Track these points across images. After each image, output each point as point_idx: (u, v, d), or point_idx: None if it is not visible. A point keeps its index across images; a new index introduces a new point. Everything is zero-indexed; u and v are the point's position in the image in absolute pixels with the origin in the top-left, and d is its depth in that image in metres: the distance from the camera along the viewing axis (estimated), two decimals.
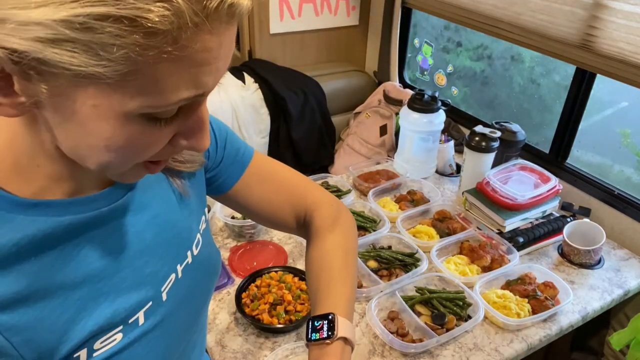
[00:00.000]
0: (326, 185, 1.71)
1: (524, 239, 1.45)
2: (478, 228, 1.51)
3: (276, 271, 1.29)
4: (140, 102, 0.40)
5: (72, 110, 0.40)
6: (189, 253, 0.66)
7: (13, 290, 0.47)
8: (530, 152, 1.80)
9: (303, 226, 0.85)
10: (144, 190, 0.60)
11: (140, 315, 0.57)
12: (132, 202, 0.57)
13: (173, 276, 0.62)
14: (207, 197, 0.77)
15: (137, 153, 0.45)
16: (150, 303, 0.58)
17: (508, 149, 1.67)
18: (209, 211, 1.42)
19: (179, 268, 0.64)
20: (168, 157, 0.51)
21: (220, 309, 1.24)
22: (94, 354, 0.53)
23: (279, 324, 1.15)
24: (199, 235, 0.69)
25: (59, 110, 0.41)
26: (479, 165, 1.61)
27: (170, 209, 0.64)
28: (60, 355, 0.50)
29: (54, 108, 0.41)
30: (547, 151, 1.77)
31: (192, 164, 0.67)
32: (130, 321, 0.56)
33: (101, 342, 0.53)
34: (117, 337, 0.54)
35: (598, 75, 1.56)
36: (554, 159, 1.75)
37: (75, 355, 0.51)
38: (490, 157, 1.61)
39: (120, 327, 0.55)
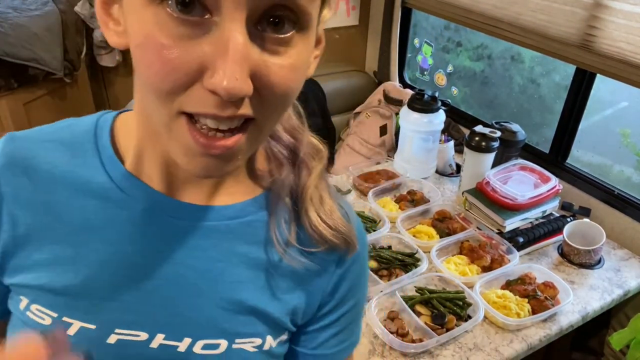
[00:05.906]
0: None
1: (524, 239, 1.45)
2: (478, 228, 1.51)
3: None
4: None
5: None
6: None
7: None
8: (530, 152, 1.80)
9: None
10: None
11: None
12: None
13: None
14: None
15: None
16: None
17: (508, 149, 1.67)
18: None
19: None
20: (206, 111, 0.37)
21: None
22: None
23: None
24: None
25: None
26: (479, 165, 1.61)
27: None
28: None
29: None
30: (547, 151, 1.77)
31: None
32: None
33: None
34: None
35: (598, 75, 1.56)
36: (554, 159, 1.74)
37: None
38: (490, 157, 1.61)
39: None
